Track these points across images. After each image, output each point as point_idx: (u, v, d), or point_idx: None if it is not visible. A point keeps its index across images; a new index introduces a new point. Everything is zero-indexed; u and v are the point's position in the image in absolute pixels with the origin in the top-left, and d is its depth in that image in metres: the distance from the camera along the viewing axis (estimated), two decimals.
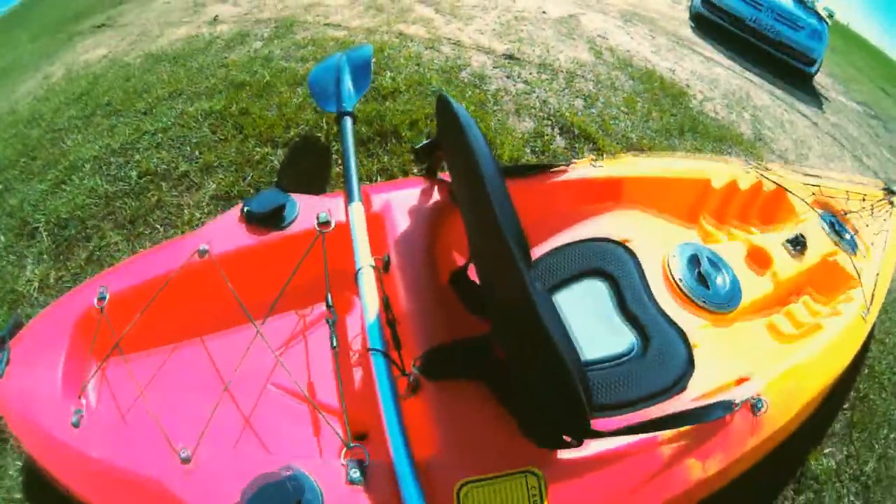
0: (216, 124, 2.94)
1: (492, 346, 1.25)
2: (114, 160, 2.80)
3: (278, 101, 3.10)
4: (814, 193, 2.48)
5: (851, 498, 2.37)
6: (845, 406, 2.59)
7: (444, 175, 1.76)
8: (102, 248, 2.38)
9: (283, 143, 2.81)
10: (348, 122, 2.09)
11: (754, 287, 2.00)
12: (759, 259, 2.10)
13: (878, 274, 2.24)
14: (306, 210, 1.65)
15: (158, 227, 2.44)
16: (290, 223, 1.63)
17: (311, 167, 2.74)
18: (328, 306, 1.44)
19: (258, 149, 2.76)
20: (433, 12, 4.61)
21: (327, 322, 1.42)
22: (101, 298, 1.43)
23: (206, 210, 2.47)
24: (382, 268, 1.51)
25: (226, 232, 1.60)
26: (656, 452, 1.28)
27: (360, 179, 1.75)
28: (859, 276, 2.14)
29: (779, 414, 1.50)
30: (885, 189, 2.85)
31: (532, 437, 1.17)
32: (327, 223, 1.57)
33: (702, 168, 2.34)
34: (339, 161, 2.74)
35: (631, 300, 1.75)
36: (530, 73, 3.97)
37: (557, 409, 1.08)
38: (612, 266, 1.83)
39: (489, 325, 1.29)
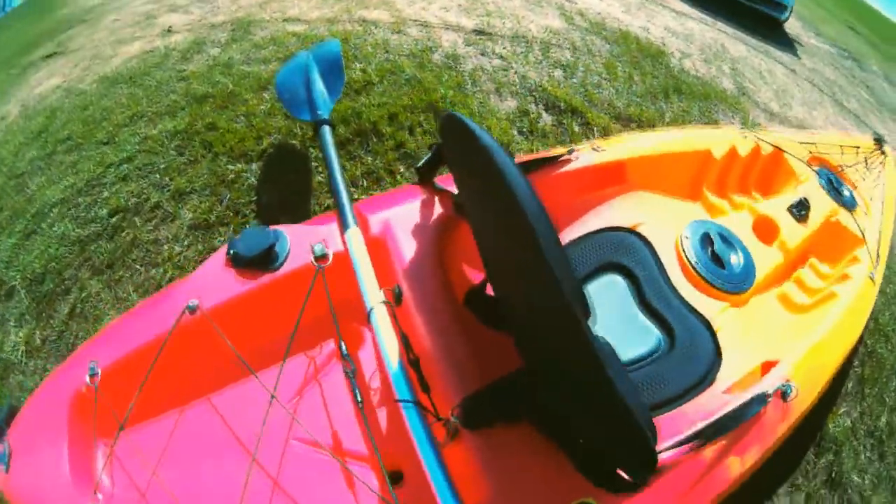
0: (183, 145, 2.66)
1: (533, 385, 1.11)
2: (81, 200, 2.52)
3: (245, 110, 2.81)
4: (810, 152, 2.45)
5: (868, 454, 2.37)
6: (855, 364, 2.56)
7: (442, 179, 1.55)
8: (84, 299, 2.13)
9: (256, 156, 2.54)
10: (327, 132, 1.84)
11: (766, 260, 1.94)
12: (766, 229, 2.04)
13: (880, 231, 2.21)
14: (298, 243, 1.42)
15: (138, 267, 2.19)
16: (283, 261, 1.39)
17: (290, 179, 2.48)
18: (344, 357, 1.24)
19: (231, 166, 2.49)
20: None
21: (346, 374, 1.23)
22: (93, 375, 1.22)
23: (185, 242, 2.22)
24: (394, 301, 1.28)
25: (214, 281, 1.37)
26: (699, 458, 1.21)
27: (346, 187, 1.54)
28: (863, 234, 2.12)
29: (806, 395, 1.46)
30: (875, 139, 2.87)
31: (588, 475, 1.05)
32: (324, 256, 1.34)
33: (701, 138, 2.25)
34: (320, 168, 2.48)
35: (651, 293, 1.65)
36: (504, 48, 3.71)
37: (621, 454, 0.98)
38: (627, 258, 1.71)
39: (519, 348, 1.19)
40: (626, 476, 1.04)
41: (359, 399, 1.19)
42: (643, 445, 0.84)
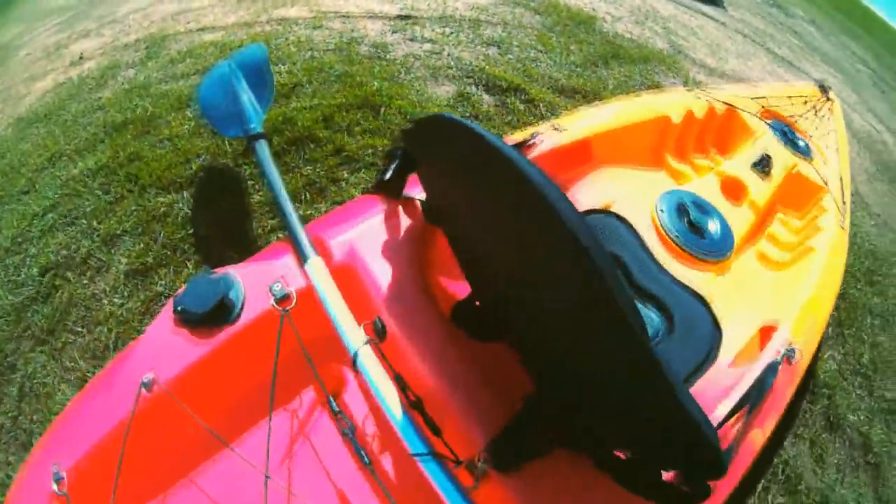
0: (107, 181, 2.37)
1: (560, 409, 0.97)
2: (10, 261, 2.21)
3: (168, 132, 2.53)
4: (762, 106, 2.44)
5: (858, 392, 2.41)
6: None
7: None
8: (31, 375, 1.85)
9: (186, 182, 2.28)
10: (263, 147, 1.59)
11: (739, 222, 1.88)
12: (734, 190, 1.98)
13: (840, 178, 2.21)
14: (253, 287, 1.17)
15: (80, 329, 1.92)
16: (240, 312, 1.14)
17: (226, 203, 2.23)
18: (337, 414, 1.06)
19: (160, 198, 2.22)
20: None
21: (344, 434, 1.05)
22: (59, 480, 0.99)
23: (124, 293, 1.96)
24: (378, 337, 1.06)
25: (166, 348, 1.13)
26: (727, 438, 1.13)
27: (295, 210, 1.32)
28: (826, 183, 2.11)
29: (807, 353, 1.45)
30: (819, 86, 2.89)
31: (640, 492, 0.92)
32: (286, 297, 1.11)
33: (658, 105, 2.17)
34: (256, 186, 2.25)
35: (639, 275, 1.53)
36: (433, 31, 3.48)
37: (684, 467, 0.86)
38: (609, 242, 1.59)
39: (528, 364, 1.06)
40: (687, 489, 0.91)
41: (366, 460, 1.01)
42: (712, 457, 0.73)
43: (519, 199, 0.73)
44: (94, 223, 2.21)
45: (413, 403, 0.97)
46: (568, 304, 0.77)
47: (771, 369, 1.25)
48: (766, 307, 1.58)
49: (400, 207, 1.31)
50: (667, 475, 0.91)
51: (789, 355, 1.31)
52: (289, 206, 1.35)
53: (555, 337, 0.90)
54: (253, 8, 3.66)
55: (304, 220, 1.30)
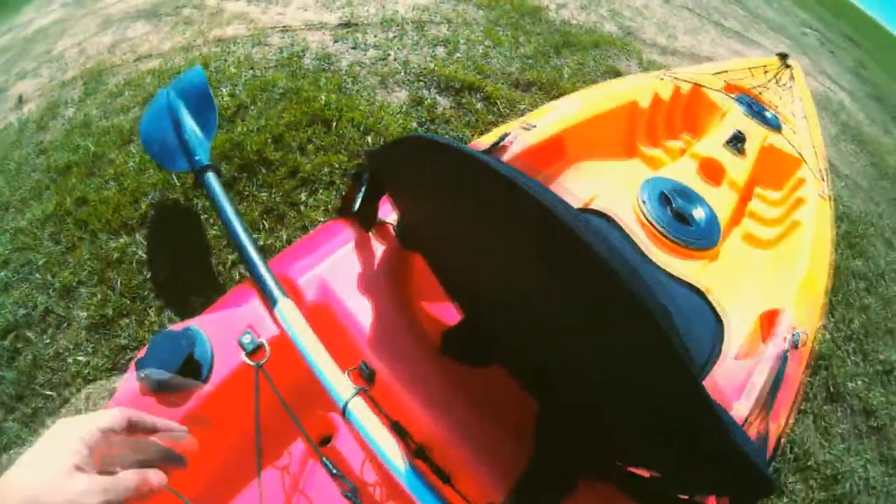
0: (56, 231, 2.21)
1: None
2: None
3: (113, 171, 2.37)
4: (725, 81, 2.38)
5: (853, 358, 2.37)
6: None
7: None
8: (6, 447, 1.69)
9: (137, 223, 2.14)
10: (212, 180, 1.44)
11: (722, 204, 1.77)
12: (711, 171, 1.88)
13: (814, 147, 2.13)
14: (221, 341, 1.01)
15: (49, 392, 1.77)
16: (210, 370, 0.98)
17: (183, 241, 2.09)
18: (336, 475, 0.89)
19: (113, 243, 2.08)
20: (245, 4, 3.77)
21: (347, 497, 0.88)
22: None
23: (88, 349, 1.83)
24: (366, 383, 0.94)
25: None
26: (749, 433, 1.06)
27: (256, 246, 1.16)
28: (800, 153, 2.03)
29: (812, 334, 1.36)
30: (779, 55, 2.85)
31: None
32: (259, 349, 0.96)
33: (624, 91, 2.08)
34: (211, 220, 2.11)
35: None
36: (376, 36, 3.34)
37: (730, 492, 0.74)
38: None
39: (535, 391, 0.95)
40: None
41: None
42: (761, 483, 0.63)
43: (524, 221, 0.63)
44: (49, 277, 2.05)
45: (416, 452, 0.86)
46: (594, 328, 0.67)
47: (781, 359, 1.18)
48: (762, 290, 1.51)
49: (371, 233, 1.17)
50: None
51: (796, 341, 1.23)
52: (249, 245, 1.17)
53: (568, 357, 0.80)
54: (188, 32, 3.46)
55: (267, 251, 1.17)
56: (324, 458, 0.89)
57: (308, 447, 1.03)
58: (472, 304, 1.02)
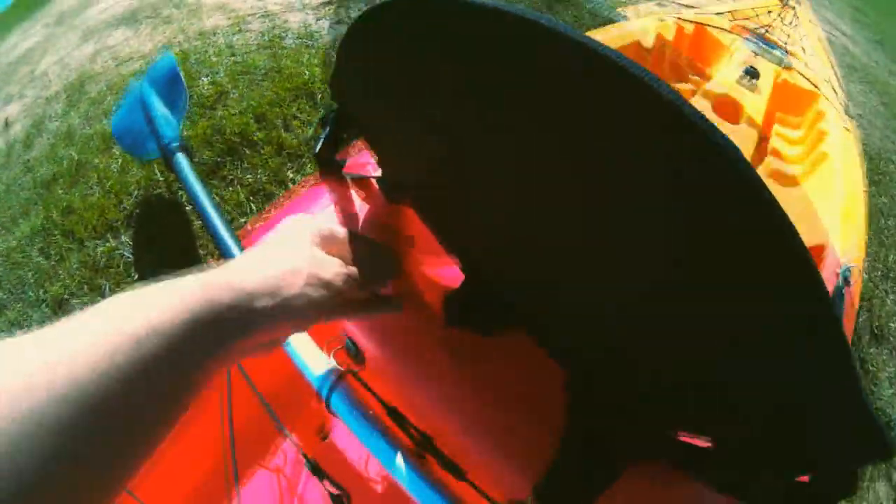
0: (45, 244, 2.05)
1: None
2: None
3: (97, 176, 2.20)
4: (730, 21, 2.27)
5: (892, 296, 2.24)
6: None
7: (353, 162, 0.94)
8: None
9: (122, 224, 1.96)
10: (182, 160, 1.23)
11: (743, 143, 1.64)
12: (728, 109, 1.74)
13: (827, 79, 2.04)
14: None
15: None
16: None
17: (169, 236, 1.92)
18: (323, 478, 0.70)
19: (100, 248, 1.91)
20: None
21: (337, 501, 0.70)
22: None
23: None
24: (355, 364, 0.73)
25: None
26: None
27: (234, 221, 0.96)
28: (816, 86, 1.91)
29: (859, 268, 1.27)
30: None
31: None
32: None
33: (626, 32, 1.96)
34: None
35: None
36: (360, 9, 3.04)
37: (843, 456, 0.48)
38: None
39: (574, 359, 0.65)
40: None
41: None
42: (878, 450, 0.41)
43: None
44: (41, 292, 1.90)
45: (422, 444, 0.64)
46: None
47: (837, 298, 1.05)
48: (800, 228, 1.28)
49: (351, 192, 0.93)
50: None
51: (847, 276, 1.11)
52: (218, 222, 0.96)
53: (630, 295, 0.54)
54: (169, 31, 3.27)
55: (239, 228, 0.97)
56: (309, 459, 0.69)
57: (305, 445, 0.83)
58: (481, 252, 0.76)
